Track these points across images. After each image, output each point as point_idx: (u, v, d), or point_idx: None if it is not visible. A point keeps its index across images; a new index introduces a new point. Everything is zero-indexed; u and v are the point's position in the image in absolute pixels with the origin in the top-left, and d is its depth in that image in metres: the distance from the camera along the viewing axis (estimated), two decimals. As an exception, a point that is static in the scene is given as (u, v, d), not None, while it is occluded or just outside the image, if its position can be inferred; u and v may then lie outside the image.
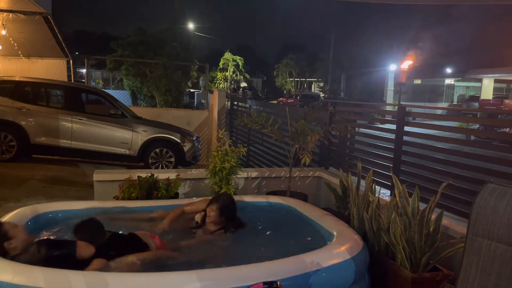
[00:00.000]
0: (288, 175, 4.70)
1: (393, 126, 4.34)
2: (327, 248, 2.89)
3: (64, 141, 7.64)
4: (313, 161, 5.21)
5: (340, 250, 2.82)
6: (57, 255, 2.52)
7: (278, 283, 2.19)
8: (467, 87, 35.57)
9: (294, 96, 40.19)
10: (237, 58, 40.60)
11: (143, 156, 7.90)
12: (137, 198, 4.04)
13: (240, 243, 3.36)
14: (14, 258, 2.48)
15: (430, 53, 28.25)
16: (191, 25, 32.21)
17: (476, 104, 26.80)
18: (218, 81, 39.26)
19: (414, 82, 35.04)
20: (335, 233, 3.14)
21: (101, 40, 37.73)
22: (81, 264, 2.49)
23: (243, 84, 45.26)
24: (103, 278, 2.27)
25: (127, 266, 2.63)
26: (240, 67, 40.93)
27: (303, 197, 4.64)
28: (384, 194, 4.22)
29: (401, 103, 18.29)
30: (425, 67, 29.34)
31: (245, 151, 4.64)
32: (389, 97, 32.95)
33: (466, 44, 26.04)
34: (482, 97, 28.16)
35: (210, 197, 3.65)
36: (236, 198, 4.17)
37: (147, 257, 2.78)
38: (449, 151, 3.88)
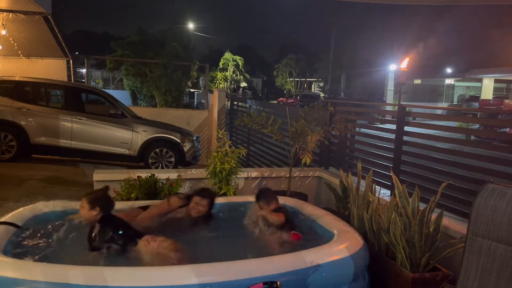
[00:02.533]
0: (288, 175, 4.70)
1: (393, 126, 4.34)
2: (326, 246, 2.90)
3: (64, 141, 7.63)
4: (313, 161, 5.21)
5: (339, 248, 2.83)
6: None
7: (278, 283, 2.19)
8: (467, 87, 35.57)
9: (294, 96, 40.21)
10: (237, 58, 40.62)
11: (143, 156, 7.90)
12: (137, 199, 4.04)
13: (240, 242, 3.36)
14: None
15: (430, 53, 28.27)
16: (191, 25, 32.18)
17: (476, 104, 26.80)
18: (218, 81, 39.26)
19: (414, 82, 35.06)
20: (335, 232, 3.15)
21: (101, 40, 37.75)
22: None
23: (243, 84, 45.28)
24: (101, 273, 2.29)
25: None
26: (240, 67, 40.94)
27: (303, 197, 4.64)
28: (384, 194, 4.22)
29: (401, 103, 18.32)
30: (425, 67, 29.35)
31: (245, 152, 4.64)
32: (389, 97, 32.95)
33: (466, 44, 26.03)
34: (482, 97, 28.15)
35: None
36: (236, 198, 4.19)
37: None
38: (449, 151, 3.88)
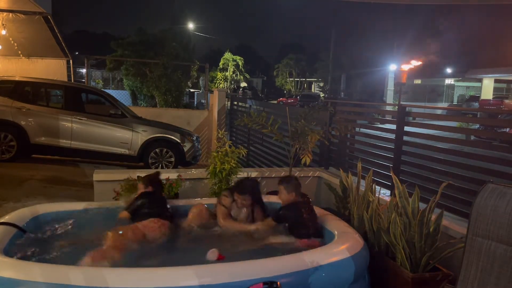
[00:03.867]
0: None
1: (393, 126, 4.34)
2: (327, 247, 2.90)
3: (64, 141, 7.63)
4: (313, 161, 5.21)
5: (340, 249, 2.83)
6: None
7: (278, 283, 2.19)
8: (467, 87, 35.57)
9: (294, 96, 40.20)
10: (237, 58, 40.60)
11: (143, 156, 7.89)
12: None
13: (238, 242, 3.36)
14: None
15: (431, 53, 28.27)
16: (191, 25, 32.20)
17: (476, 104, 26.79)
18: (218, 81, 39.25)
19: (414, 82, 35.06)
20: (335, 232, 3.15)
21: (101, 40, 37.74)
22: None
23: (243, 84, 45.26)
24: (101, 274, 2.29)
25: None
26: (240, 67, 40.92)
27: (303, 197, 4.63)
28: (384, 194, 4.21)
29: (401, 103, 18.31)
30: (425, 67, 29.36)
31: (245, 152, 4.63)
32: (389, 97, 32.96)
33: (466, 44, 26.03)
34: (482, 97, 28.15)
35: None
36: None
37: None
38: (449, 151, 3.88)
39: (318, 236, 3.29)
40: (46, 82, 8.36)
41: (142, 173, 4.39)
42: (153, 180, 3.76)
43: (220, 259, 2.84)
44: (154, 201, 3.52)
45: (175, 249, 3.23)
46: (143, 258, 2.94)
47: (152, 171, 4.52)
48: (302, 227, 3.27)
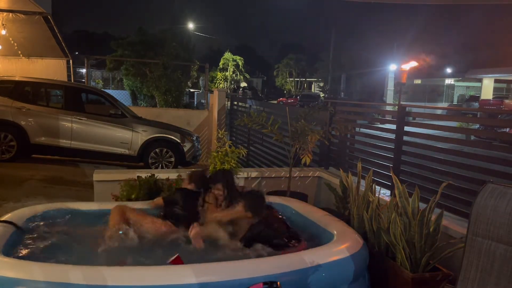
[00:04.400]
0: (288, 175, 4.70)
1: (393, 126, 4.34)
2: (326, 246, 2.90)
3: (64, 141, 7.63)
4: (313, 161, 5.21)
5: (339, 248, 2.83)
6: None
7: (278, 283, 2.19)
8: (467, 87, 35.58)
9: (294, 96, 40.21)
10: (237, 58, 40.62)
11: (143, 156, 7.89)
12: (137, 199, 4.03)
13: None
14: None
15: (431, 53, 28.28)
16: (191, 25, 32.24)
17: (476, 104, 26.79)
18: (218, 81, 39.26)
19: (414, 82, 35.07)
20: (334, 232, 3.15)
21: (101, 40, 37.74)
22: None
23: (243, 84, 45.28)
24: (101, 272, 2.29)
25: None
26: (240, 67, 40.94)
27: (303, 197, 4.64)
28: (384, 194, 4.21)
29: (401, 103, 18.31)
30: (425, 67, 29.38)
31: (245, 152, 4.63)
32: (389, 97, 32.96)
33: (466, 44, 26.05)
34: (482, 97, 28.16)
35: None
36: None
37: None
38: (449, 151, 3.88)
39: (295, 239, 3.15)
40: (46, 82, 8.37)
41: (142, 173, 4.39)
42: (196, 177, 3.67)
43: (176, 263, 2.60)
44: (186, 203, 3.42)
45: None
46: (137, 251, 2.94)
47: (152, 171, 4.53)
48: (273, 241, 3.07)
